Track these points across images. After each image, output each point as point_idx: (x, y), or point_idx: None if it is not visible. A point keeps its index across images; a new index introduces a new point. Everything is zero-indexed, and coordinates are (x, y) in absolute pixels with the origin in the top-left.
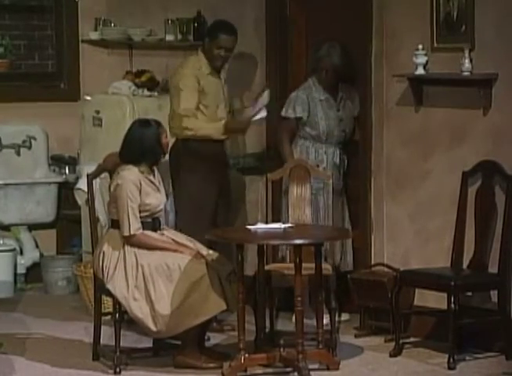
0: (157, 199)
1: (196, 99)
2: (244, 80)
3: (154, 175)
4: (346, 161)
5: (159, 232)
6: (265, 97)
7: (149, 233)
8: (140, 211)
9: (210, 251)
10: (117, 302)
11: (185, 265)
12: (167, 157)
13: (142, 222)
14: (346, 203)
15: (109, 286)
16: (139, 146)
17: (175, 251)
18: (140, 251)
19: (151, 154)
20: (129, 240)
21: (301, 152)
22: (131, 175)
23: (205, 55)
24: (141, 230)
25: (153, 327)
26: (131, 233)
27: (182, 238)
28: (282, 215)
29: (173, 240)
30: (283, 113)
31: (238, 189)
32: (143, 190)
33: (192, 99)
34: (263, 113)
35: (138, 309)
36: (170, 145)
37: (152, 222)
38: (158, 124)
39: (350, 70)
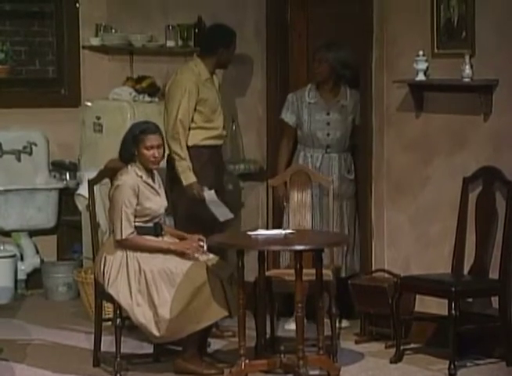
0: (157, 203)
1: (193, 111)
2: (244, 84)
3: (154, 180)
4: (341, 167)
5: (160, 237)
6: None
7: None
8: (141, 216)
9: (211, 255)
10: (117, 308)
11: (188, 269)
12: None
13: (143, 227)
14: (347, 208)
15: (110, 291)
16: (121, 145)
17: (168, 248)
18: (142, 256)
19: (124, 155)
20: (121, 244)
21: (296, 156)
22: (129, 179)
23: (217, 63)
24: (134, 234)
25: (155, 332)
26: (123, 237)
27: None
28: (285, 220)
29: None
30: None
31: (237, 195)
32: (142, 194)
33: (190, 110)
34: (225, 214)
35: (141, 314)
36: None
37: (153, 227)
38: (148, 131)
39: (353, 74)
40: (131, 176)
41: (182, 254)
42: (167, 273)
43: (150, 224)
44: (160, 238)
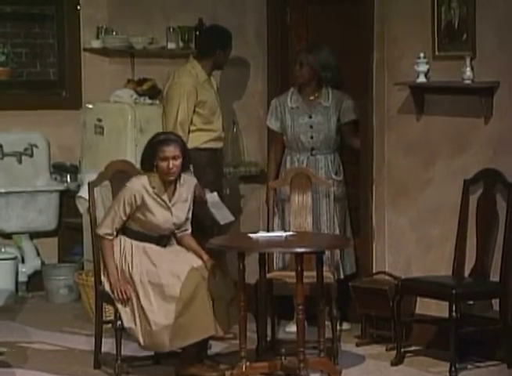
0: (161, 217)
1: (192, 113)
2: (245, 87)
3: (173, 194)
4: (327, 169)
5: (168, 247)
6: (212, 198)
7: (115, 249)
8: (142, 226)
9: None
10: (118, 310)
11: (183, 281)
12: None
13: (146, 235)
14: (337, 210)
15: (108, 290)
16: (142, 153)
17: (108, 275)
18: (141, 261)
19: (144, 164)
20: (97, 238)
21: (284, 161)
22: (136, 185)
23: (214, 64)
24: (110, 237)
25: (141, 340)
26: (99, 233)
27: (183, 256)
28: (276, 223)
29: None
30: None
31: (236, 198)
32: (147, 206)
33: (189, 112)
34: (226, 217)
35: (130, 321)
36: None
37: (157, 237)
38: (166, 142)
39: (335, 75)
40: (139, 183)
41: (111, 290)
42: (158, 285)
43: (155, 234)
44: (166, 248)
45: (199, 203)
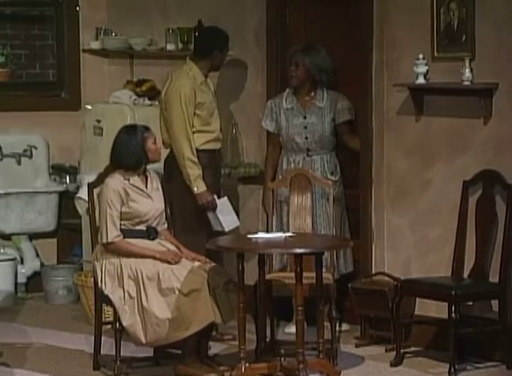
0: (146, 206)
1: (193, 116)
2: (245, 88)
3: (147, 182)
4: (323, 169)
5: (156, 241)
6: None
7: (128, 239)
8: (129, 219)
9: (197, 263)
10: (117, 311)
11: (185, 275)
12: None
13: (134, 231)
14: (335, 211)
15: (107, 292)
16: (124, 153)
17: (153, 256)
18: (138, 261)
19: (135, 160)
20: (107, 247)
21: (280, 162)
22: (113, 182)
23: (211, 65)
24: (120, 238)
25: (142, 339)
26: (109, 240)
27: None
28: (274, 224)
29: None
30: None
31: (235, 199)
32: (130, 197)
33: (190, 116)
34: (232, 222)
35: (131, 318)
36: (163, 153)
37: (146, 231)
38: (145, 129)
39: (330, 77)
40: (116, 179)
41: (166, 263)
42: (154, 279)
43: (142, 227)
44: (154, 242)
45: (207, 208)
